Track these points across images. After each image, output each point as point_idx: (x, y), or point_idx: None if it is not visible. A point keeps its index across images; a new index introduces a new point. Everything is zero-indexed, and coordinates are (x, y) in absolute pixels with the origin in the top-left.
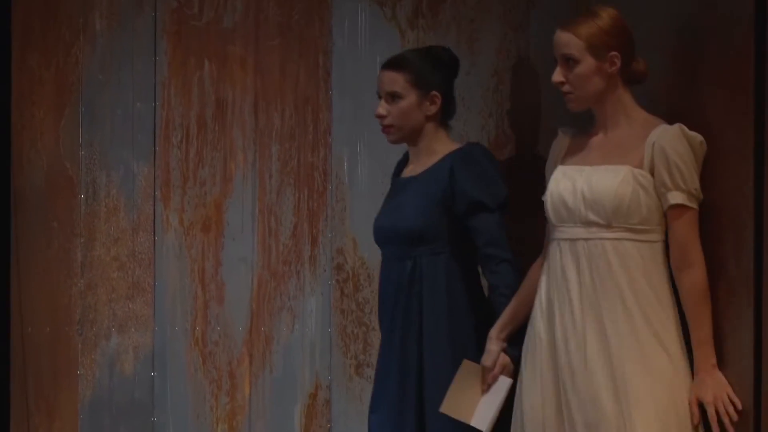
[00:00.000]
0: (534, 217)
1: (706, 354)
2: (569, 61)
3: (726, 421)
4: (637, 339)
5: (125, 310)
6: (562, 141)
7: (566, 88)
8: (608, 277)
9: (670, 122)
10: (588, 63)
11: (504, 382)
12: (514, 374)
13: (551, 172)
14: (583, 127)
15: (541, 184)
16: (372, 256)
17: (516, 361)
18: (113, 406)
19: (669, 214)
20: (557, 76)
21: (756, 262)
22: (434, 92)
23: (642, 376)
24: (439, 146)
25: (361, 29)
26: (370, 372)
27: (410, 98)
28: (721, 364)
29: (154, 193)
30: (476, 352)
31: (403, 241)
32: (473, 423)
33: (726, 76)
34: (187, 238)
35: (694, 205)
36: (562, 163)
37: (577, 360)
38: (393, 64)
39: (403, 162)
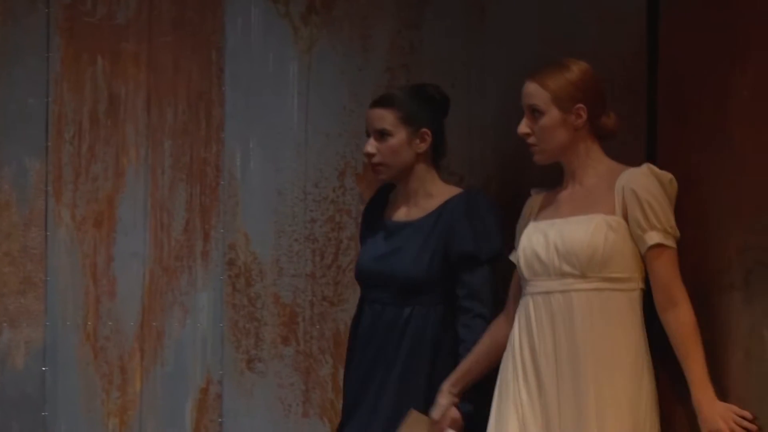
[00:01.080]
0: None
1: (704, 390)
2: (535, 113)
3: None
4: (615, 395)
5: (17, 305)
6: (534, 200)
7: (531, 140)
8: (583, 331)
9: None
10: (553, 115)
11: None
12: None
13: (522, 231)
14: (551, 183)
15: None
16: (264, 251)
17: (466, 418)
18: (4, 400)
19: (648, 255)
20: (522, 127)
21: None
22: (424, 129)
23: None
24: (434, 189)
25: (254, 25)
26: (262, 367)
27: (400, 135)
28: None
29: (46, 188)
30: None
31: (402, 289)
32: None
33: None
34: (78, 234)
35: (672, 244)
36: (535, 219)
37: (565, 412)
38: (381, 101)
39: (381, 199)
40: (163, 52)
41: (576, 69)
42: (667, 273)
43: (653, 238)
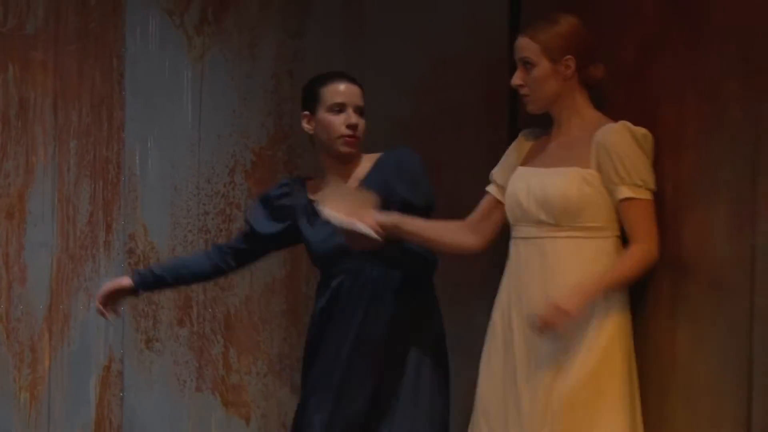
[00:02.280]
0: None
1: (589, 286)
2: (527, 65)
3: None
4: (585, 333)
5: None
6: (524, 143)
7: (524, 90)
8: (559, 274)
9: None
10: (544, 66)
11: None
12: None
13: (506, 172)
14: (545, 129)
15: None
16: (161, 241)
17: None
18: None
19: (620, 207)
20: (516, 79)
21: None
22: None
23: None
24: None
25: (151, 35)
26: (160, 346)
27: None
28: None
29: None
30: (432, 361)
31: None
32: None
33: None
34: None
35: (644, 196)
36: (523, 164)
37: (532, 353)
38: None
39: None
40: (68, 59)
41: (564, 22)
42: (638, 223)
43: (623, 192)
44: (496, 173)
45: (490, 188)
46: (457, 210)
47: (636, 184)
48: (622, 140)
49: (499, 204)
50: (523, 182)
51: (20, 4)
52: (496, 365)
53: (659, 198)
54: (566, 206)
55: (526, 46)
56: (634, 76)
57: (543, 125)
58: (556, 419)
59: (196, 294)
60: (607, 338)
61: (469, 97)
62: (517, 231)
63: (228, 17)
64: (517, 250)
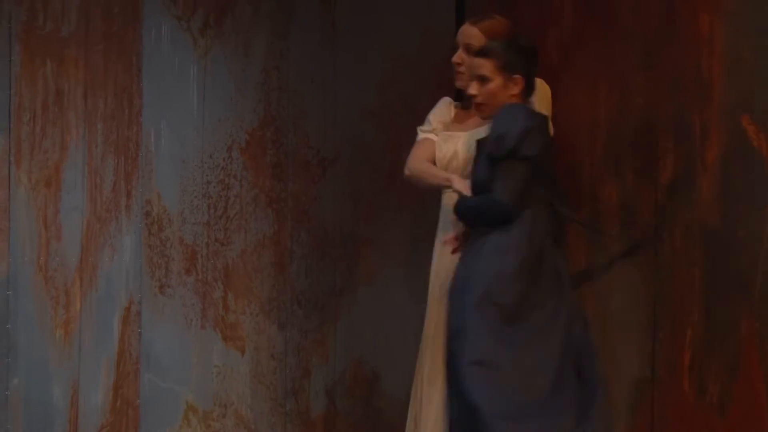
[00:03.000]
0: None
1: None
2: (469, 49)
3: None
4: None
5: None
6: (449, 107)
7: (461, 69)
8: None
9: None
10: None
11: None
12: None
13: (435, 123)
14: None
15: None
16: (172, 205)
17: None
18: None
19: None
20: (456, 58)
21: None
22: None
23: None
24: None
25: (164, 37)
26: (171, 291)
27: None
28: None
29: (9, 158)
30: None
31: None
32: None
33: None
34: (33, 192)
35: None
36: (447, 129)
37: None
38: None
39: None
40: (96, 56)
41: (502, 23)
42: None
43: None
44: (435, 124)
45: (431, 135)
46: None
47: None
48: (546, 89)
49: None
50: (451, 144)
51: (56, 11)
52: (434, 306)
53: (579, 171)
54: None
55: (473, 34)
56: (556, 70)
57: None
58: None
59: (200, 248)
60: None
61: (423, 88)
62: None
63: (226, 22)
64: (449, 202)
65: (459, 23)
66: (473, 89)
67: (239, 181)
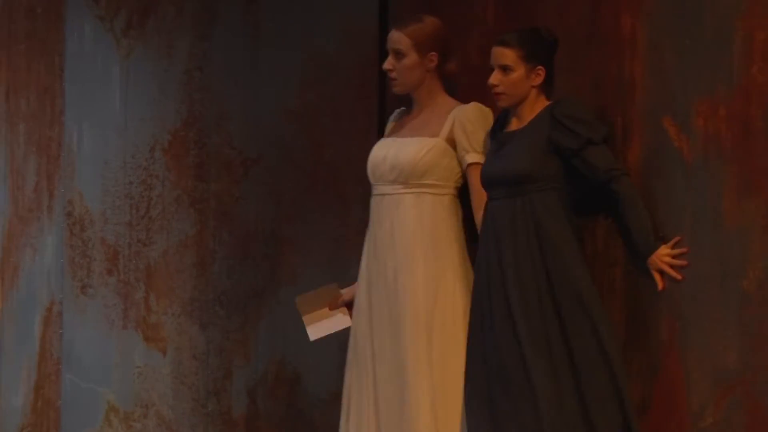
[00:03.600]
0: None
1: None
2: (398, 54)
3: None
4: (414, 275)
5: None
6: (393, 120)
7: (393, 75)
8: (404, 222)
9: None
10: (412, 57)
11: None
12: None
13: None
14: (408, 109)
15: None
16: (94, 205)
17: None
18: None
19: (468, 170)
20: (387, 65)
21: None
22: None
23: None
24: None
25: (86, 37)
26: (93, 291)
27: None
28: None
29: None
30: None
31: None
32: (307, 328)
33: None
34: None
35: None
36: (387, 136)
37: (379, 291)
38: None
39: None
40: (18, 56)
41: (431, 23)
42: (480, 183)
43: (472, 157)
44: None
45: None
46: (336, 182)
47: (482, 152)
48: (474, 116)
49: None
50: (383, 150)
51: None
52: (363, 304)
53: None
54: (413, 168)
55: (399, 39)
56: (477, 70)
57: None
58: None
59: (122, 249)
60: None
61: (344, 88)
62: (375, 189)
63: (149, 23)
64: (375, 205)
65: (382, 24)
66: (494, 79)
67: (161, 181)
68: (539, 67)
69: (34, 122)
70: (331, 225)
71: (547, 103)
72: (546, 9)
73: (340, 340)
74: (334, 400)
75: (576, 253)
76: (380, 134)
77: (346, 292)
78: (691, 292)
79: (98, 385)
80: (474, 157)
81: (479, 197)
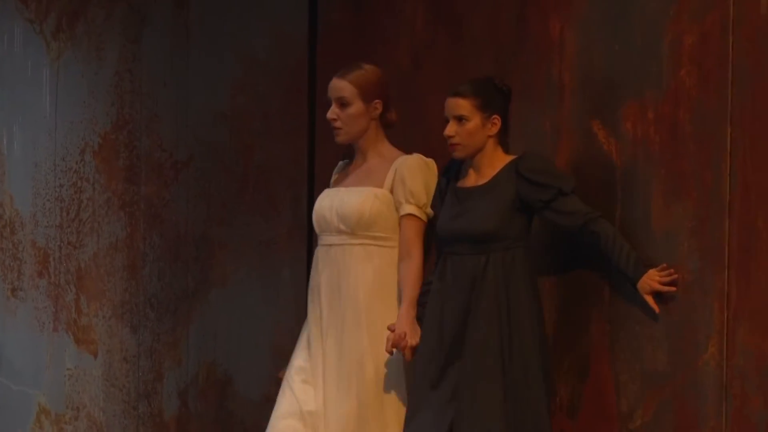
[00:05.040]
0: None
1: (408, 309)
2: (342, 104)
3: (389, 348)
4: (360, 327)
5: None
6: (335, 174)
7: (337, 124)
8: (352, 274)
9: None
10: (358, 106)
11: None
12: None
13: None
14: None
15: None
16: (24, 208)
17: None
18: None
19: (401, 221)
20: (331, 114)
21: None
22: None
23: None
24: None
25: (16, 40)
26: (23, 294)
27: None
28: None
29: None
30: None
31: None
32: None
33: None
34: None
35: (420, 215)
36: (330, 187)
37: (327, 342)
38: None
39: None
40: None
41: (372, 71)
42: (411, 235)
43: (406, 209)
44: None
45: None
46: (267, 184)
47: (418, 206)
48: (416, 169)
49: None
50: (328, 199)
51: None
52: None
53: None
54: (360, 218)
55: (343, 87)
56: (407, 76)
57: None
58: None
59: (52, 251)
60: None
61: (274, 91)
62: (321, 239)
63: (79, 26)
64: (321, 255)
65: (311, 28)
66: (450, 130)
67: (92, 184)
68: (495, 116)
69: None
70: (261, 227)
71: (505, 156)
72: (475, 14)
73: (271, 342)
74: (265, 402)
75: (535, 316)
76: (310, 137)
77: None
78: (620, 295)
79: (29, 388)
80: (409, 208)
81: (406, 249)
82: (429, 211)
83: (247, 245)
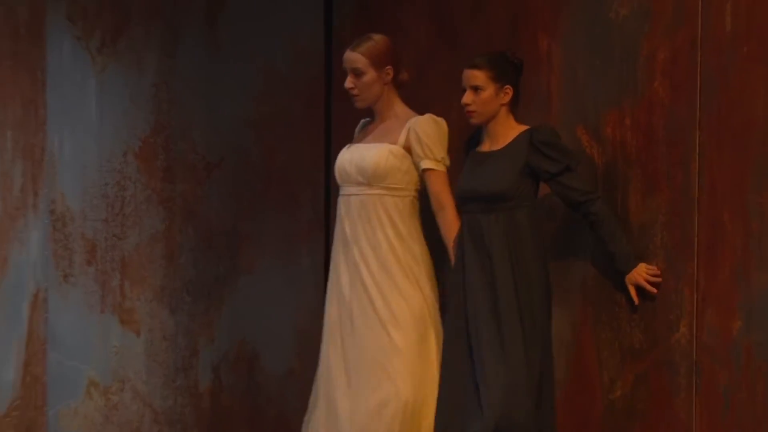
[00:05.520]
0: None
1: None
2: (357, 73)
3: None
4: (390, 272)
5: None
6: (358, 129)
7: (355, 92)
8: (371, 223)
9: None
10: (371, 74)
11: None
12: None
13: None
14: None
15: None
16: (74, 204)
17: None
18: None
19: (424, 176)
20: (348, 83)
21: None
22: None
23: (396, 300)
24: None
25: (65, 54)
26: (74, 280)
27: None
28: None
29: None
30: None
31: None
32: None
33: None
34: None
35: (441, 168)
36: (350, 144)
37: (353, 289)
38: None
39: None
40: (5, 71)
41: (381, 40)
42: (436, 188)
43: (426, 164)
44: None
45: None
46: (288, 183)
47: (437, 159)
48: (429, 127)
49: None
50: (348, 154)
51: None
52: (333, 300)
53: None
54: (375, 170)
55: (356, 59)
56: (412, 85)
57: (362, 115)
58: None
59: (99, 242)
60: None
61: (294, 100)
62: (342, 190)
63: (121, 42)
64: (342, 204)
65: (327, 44)
66: (467, 98)
67: (134, 182)
68: (507, 86)
69: (20, 130)
70: (284, 222)
71: (517, 124)
72: (473, 31)
73: (293, 322)
74: (288, 376)
75: (541, 266)
76: (327, 141)
77: None
78: (602, 280)
79: (80, 363)
80: (428, 163)
81: (437, 201)
82: (447, 162)
83: (272, 237)
